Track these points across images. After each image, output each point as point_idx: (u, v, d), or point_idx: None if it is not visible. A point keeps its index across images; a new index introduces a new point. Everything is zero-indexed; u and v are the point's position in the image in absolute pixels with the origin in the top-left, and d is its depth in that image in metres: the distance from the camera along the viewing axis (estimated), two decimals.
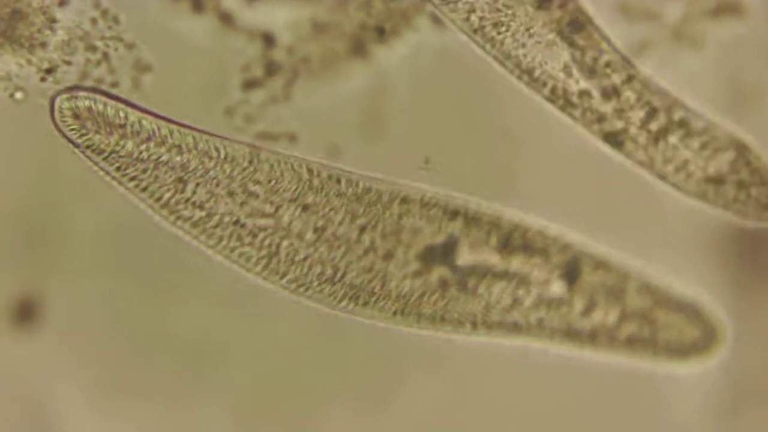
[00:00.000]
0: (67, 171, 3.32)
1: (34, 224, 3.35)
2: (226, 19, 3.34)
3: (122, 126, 3.25)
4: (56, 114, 3.24)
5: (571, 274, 3.26)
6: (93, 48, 3.32)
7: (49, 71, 3.31)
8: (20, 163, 3.35)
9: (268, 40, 3.33)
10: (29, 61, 3.31)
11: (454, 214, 3.28)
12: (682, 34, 3.36)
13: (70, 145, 3.25)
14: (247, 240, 3.28)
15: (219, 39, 3.35)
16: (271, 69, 3.33)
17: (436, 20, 3.34)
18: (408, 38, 3.35)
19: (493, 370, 3.36)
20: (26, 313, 3.36)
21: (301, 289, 3.29)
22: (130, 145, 3.25)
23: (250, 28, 3.34)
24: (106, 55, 3.33)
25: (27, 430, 3.38)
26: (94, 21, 3.32)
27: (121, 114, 3.26)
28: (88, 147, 3.24)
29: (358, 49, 3.35)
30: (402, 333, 3.34)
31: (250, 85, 3.34)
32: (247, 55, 3.34)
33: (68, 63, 3.32)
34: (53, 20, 3.30)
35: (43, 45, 3.31)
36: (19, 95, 3.31)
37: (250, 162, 3.27)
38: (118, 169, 3.26)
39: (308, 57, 3.35)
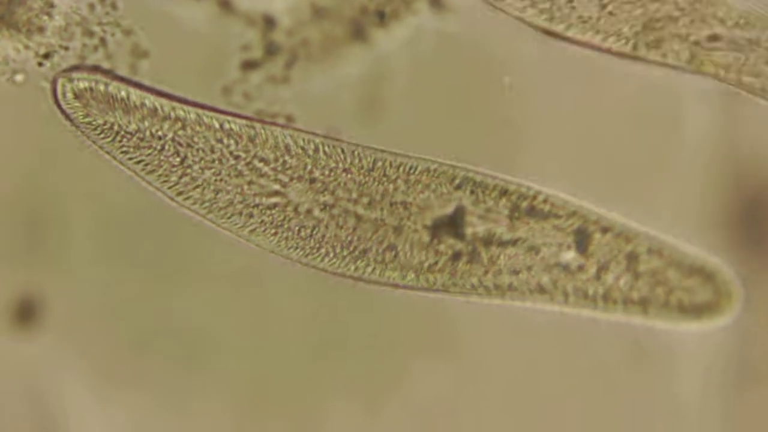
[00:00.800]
0: (65, 157, 3.30)
1: (32, 212, 3.32)
2: (225, 4, 3.35)
3: (125, 106, 3.21)
4: (59, 95, 3.20)
5: (581, 241, 3.25)
6: (90, 33, 3.29)
7: (46, 56, 3.27)
8: (18, 149, 3.32)
9: (268, 23, 3.34)
10: (27, 46, 3.26)
11: (460, 183, 3.27)
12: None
13: (73, 129, 3.24)
14: (258, 217, 3.23)
15: (218, 24, 3.34)
16: (270, 51, 3.34)
17: (435, 3, 3.40)
18: (407, 22, 3.39)
19: (502, 345, 3.33)
20: (27, 305, 3.30)
21: (317, 259, 3.24)
22: (133, 126, 3.20)
23: (249, 13, 3.35)
24: (103, 41, 3.30)
25: (30, 420, 3.32)
26: (91, 6, 3.30)
27: (123, 93, 3.22)
28: (91, 128, 3.19)
29: (358, 33, 3.38)
30: (405, 321, 3.32)
31: (248, 66, 3.33)
32: (245, 39, 3.34)
33: (65, 48, 3.28)
34: (51, 5, 3.28)
35: (41, 30, 3.27)
36: (19, 78, 3.25)
37: (252, 140, 3.24)
38: (124, 152, 3.20)
39: (307, 40, 3.36)
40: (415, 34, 3.39)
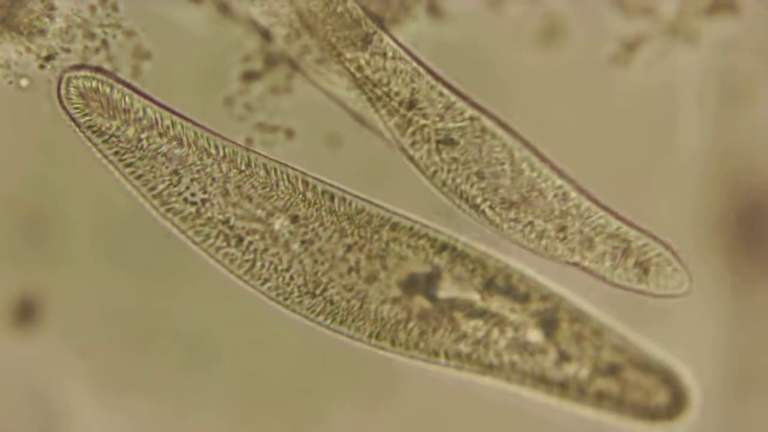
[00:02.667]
0: (66, 157, 3.30)
1: (33, 212, 3.33)
2: (224, 8, 3.32)
3: (126, 111, 3.22)
4: (62, 91, 3.22)
5: (549, 324, 3.26)
6: (92, 35, 3.29)
7: (48, 59, 3.28)
8: (19, 149, 3.33)
9: (267, 31, 3.32)
10: (28, 49, 3.27)
11: (441, 247, 3.27)
12: (677, 30, 3.38)
13: (71, 127, 3.23)
14: (233, 242, 3.25)
15: (217, 28, 3.33)
16: (270, 60, 3.32)
17: (433, 10, 3.34)
18: (407, 29, 3.35)
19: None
20: (27, 305, 3.32)
21: (281, 298, 3.25)
22: (131, 131, 3.21)
23: (248, 18, 3.32)
24: (105, 43, 3.30)
25: (30, 420, 3.35)
26: (92, 8, 3.30)
27: (127, 99, 3.23)
28: (89, 127, 3.21)
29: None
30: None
31: (249, 76, 3.32)
32: (245, 43, 3.32)
33: (67, 50, 3.29)
34: (52, 8, 3.28)
35: (42, 32, 3.28)
36: (24, 82, 3.27)
37: (247, 165, 3.24)
38: (116, 153, 3.22)
39: (307, 49, 3.33)
40: (414, 40, 3.34)
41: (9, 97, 3.30)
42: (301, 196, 3.26)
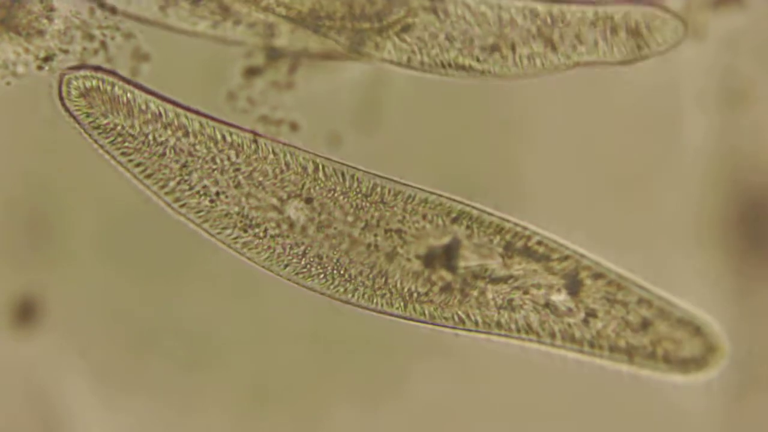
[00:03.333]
0: (67, 156, 3.31)
1: (34, 212, 3.33)
2: (225, 8, 3.32)
3: (129, 106, 3.23)
4: (63, 92, 3.23)
5: (573, 284, 3.25)
6: (90, 37, 3.30)
7: (46, 60, 3.29)
8: (19, 149, 3.33)
9: (269, 28, 3.31)
10: (27, 50, 3.28)
11: (457, 216, 3.26)
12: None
13: (75, 128, 3.23)
14: (251, 230, 3.24)
15: (218, 28, 3.32)
16: (272, 56, 3.31)
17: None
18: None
19: (497, 367, 3.33)
20: (27, 305, 3.32)
21: (302, 277, 3.24)
22: (136, 124, 3.22)
23: (249, 17, 3.31)
24: (103, 44, 3.30)
25: (30, 420, 3.35)
26: (91, 10, 3.30)
27: (129, 95, 3.24)
28: (95, 128, 3.22)
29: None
30: (405, 325, 3.31)
31: (251, 72, 3.31)
32: (246, 43, 3.32)
33: (65, 52, 3.29)
34: (51, 9, 3.29)
35: (41, 33, 3.28)
36: (20, 68, 3.30)
37: (255, 151, 3.24)
38: (123, 153, 3.23)
39: (308, 46, 3.32)
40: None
41: (9, 98, 3.31)
42: (312, 178, 3.24)
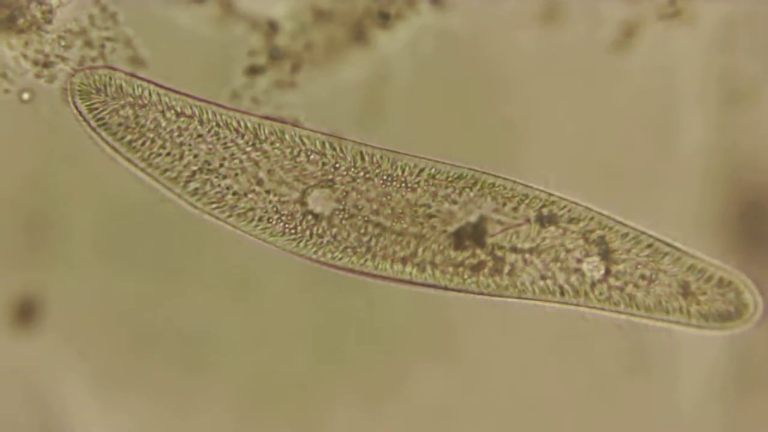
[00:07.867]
0: (67, 156, 3.31)
1: (33, 211, 3.33)
2: (227, 7, 3.36)
3: (143, 101, 3.26)
4: (70, 93, 3.25)
5: (602, 249, 3.27)
6: (90, 43, 3.33)
7: (45, 66, 3.31)
8: (19, 148, 3.33)
9: (271, 26, 3.35)
10: (25, 56, 3.31)
11: (483, 191, 3.28)
12: (677, 14, 3.38)
13: (83, 127, 3.25)
14: (275, 220, 3.27)
15: (220, 27, 3.36)
16: (274, 55, 3.34)
17: (435, 2, 3.36)
18: (410, 22, 3.36)
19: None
20: (27, 305, 3.31)
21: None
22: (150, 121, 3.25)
23: (252, 16, 3.35)
24: (102, 50, 3.33)
25: (29, 420, 3.32)
26: (91, 17, 3.34)
27: (143, 90, 3.28)
28: (105, 129, 3.24)
29: (360, 35, 3.36)
30: (408, 323, 3.32)
31: (253, 71, 3.34)
32: (249, 43, 3.34)
33: (65, 59, 3.32)
34: (50, 15, 3.32)
35: (39, 39, 3.32)
36: (26, 96, 3.30)
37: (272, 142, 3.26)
38: (135, 150, 3.24)
39: (311, 44, 3.35)
40: (418, 34, 3.37)
41: (9, 98, 3.32)
42: (334, 162, 3.27)
